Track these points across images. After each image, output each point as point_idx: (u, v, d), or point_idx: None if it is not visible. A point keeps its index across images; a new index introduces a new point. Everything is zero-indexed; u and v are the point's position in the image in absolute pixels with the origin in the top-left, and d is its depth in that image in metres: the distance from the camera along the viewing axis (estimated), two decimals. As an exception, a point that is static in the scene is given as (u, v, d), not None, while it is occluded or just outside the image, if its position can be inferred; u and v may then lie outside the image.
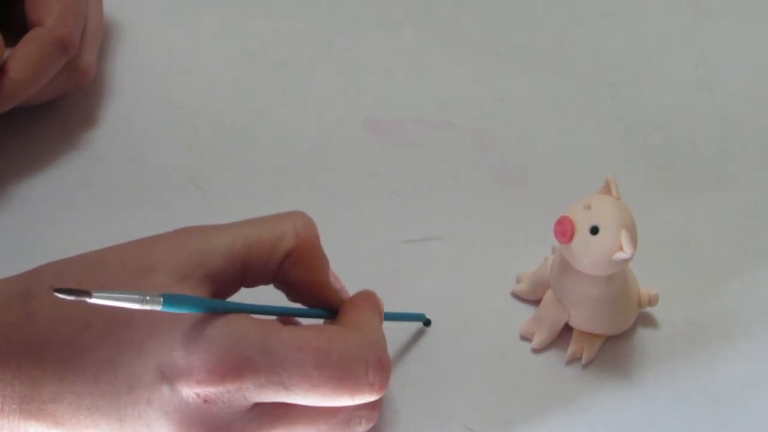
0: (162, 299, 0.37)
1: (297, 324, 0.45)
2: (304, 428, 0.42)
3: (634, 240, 0.44)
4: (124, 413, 0.40)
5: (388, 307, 0.46)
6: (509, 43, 0.63)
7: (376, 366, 0.41)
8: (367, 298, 0.45)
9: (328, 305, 0.45)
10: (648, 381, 0.48)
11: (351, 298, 0.45)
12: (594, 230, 0.45)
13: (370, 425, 0.43)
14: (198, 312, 0.39)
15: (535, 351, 0.49)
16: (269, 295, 0.44)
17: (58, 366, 0.39)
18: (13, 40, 0.53)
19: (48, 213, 0.54)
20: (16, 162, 0.56)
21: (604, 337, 0.49)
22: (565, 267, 0.47)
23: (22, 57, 0.52)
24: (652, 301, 0.49)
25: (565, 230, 0.45)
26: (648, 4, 0.65)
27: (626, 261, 0.45)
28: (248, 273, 0.43)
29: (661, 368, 0.49)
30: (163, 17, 0.64)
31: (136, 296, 0.36)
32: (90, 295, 0.35)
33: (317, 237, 0.44)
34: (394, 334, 0.45)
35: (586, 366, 0.49)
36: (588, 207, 0.45)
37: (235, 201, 0.55)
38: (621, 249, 0.44)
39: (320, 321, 0.45)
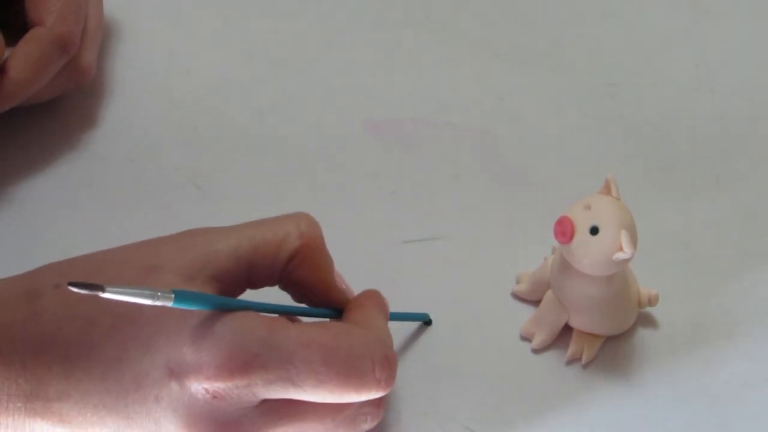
0: (173, 295, 0.37)
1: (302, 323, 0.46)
2: (311, 425, 0.42)
3: (634, 240, 0.44)
4: (132, 410, 0.40)
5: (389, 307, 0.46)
6: (509, 43, 0.63)
7: (383, 363, 0.41)
8: (372, 297, 0.45)
9: (333, 305, 0.45)
10: (648, 381, 0.48)
11: (356, 297, 0.46)
12: (594, 230, 0.45)
13: (375, 423, 0.44)
14: (207, 309, 0.39)
15: (535, 351, 0.49)
16: (274, 297, 0.44)
17: (64, 364, 0.39)
18: (13, 39, 0.53)
19: (48, 213, 0.54)
20: (16, 162, 0.56)
21: (604, 337, 0.49)
22: (565, 267, 0.47)
23: (23, 56, 0.52)
24: (652, 301, 0.49)
25: (565, 230, 0.45)
26: (648, 4, 0.65)
27: (626, 261, 0.45)
28: (254, 274, 0.43)
29: (661, 368, 0.49)
30: (163, 17, 0.64)
31: (148, 292, 0.36)
32: (103, 290, 0.35)
33: (322, 238, 0.44)
34: (395, 333, 0.45)
35: (586, 366, 0.49)
36: (588, 207, 0.45)
37: (235, 201, 0.55)
38: (621, 249, 0.44)
39: (326, 320, 0.45)
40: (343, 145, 0.58)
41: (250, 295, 0.44)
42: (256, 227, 0.43)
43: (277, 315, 0.42)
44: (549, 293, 0.49)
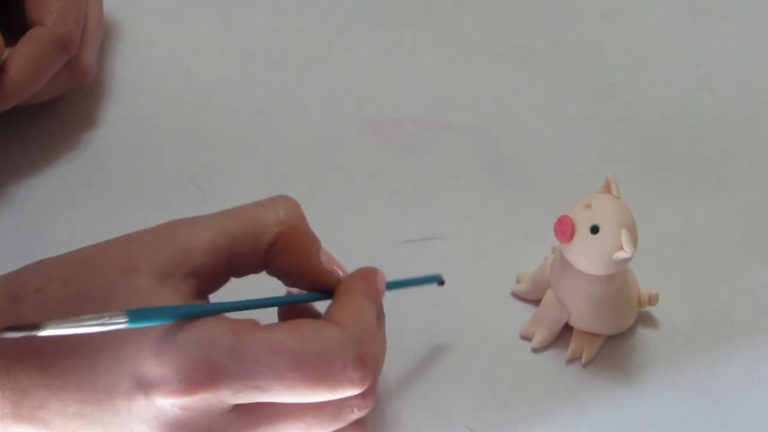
0: (127, 317, 0.36)
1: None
2: (292, 423, 0.41)
3: (634, 239, 0.44)
4: (108, 420, 0.39)
5: (389, 308, 0.46)
6: (509, 43, 0.63)
7: (355, 362, 0.39)
8: (363, 278, 0.44)
9: (322, 287, 0.43)
10: (648, 381, 0.49)
11: (346, 279, 0.44)
12: (594, 230, 0.45)
13: (365, 412, 0.42)
14: (169, 321, 0.38)
15: (535, 351, 0.49)
16: (267, 284, 0.44)
17: (42, 374, 0.39)
18: (13, 39, 0.53)
19: (48, 213, 0.54)
20: (16, 162, 0.56)
21: (604, 336, 0.49)
22: (565, 267, 0.47)
23: (22, 56, 0.52)
24: (652, 301, 0.49)
25: (565, 230, 0.45)
26: (648, 4, 0.66)
27: (626, 260, 0.45)
28: (234, 264, 0.42)
29: (661, 368, 0.49)
30: (163, 17, 0.64)
31: (95, 320, 0.35)
32: (39, 328, 0.35)
33: (303, 220, 0.43)
34: (395, 333, 0.45)
35: (586, 366, 0.49)
36: (588, 206, 0.45)
37: (235, 201, 0.55)
38: (621, 248, 0.44)
39: (299, 319, 0.44)
40: (343, 145, 0.58)
41: (233, 284, 0.43)
42: (234, 216, 0.43)
43: (246, 316, 0.40)
44: (549, 293, 0.49)
